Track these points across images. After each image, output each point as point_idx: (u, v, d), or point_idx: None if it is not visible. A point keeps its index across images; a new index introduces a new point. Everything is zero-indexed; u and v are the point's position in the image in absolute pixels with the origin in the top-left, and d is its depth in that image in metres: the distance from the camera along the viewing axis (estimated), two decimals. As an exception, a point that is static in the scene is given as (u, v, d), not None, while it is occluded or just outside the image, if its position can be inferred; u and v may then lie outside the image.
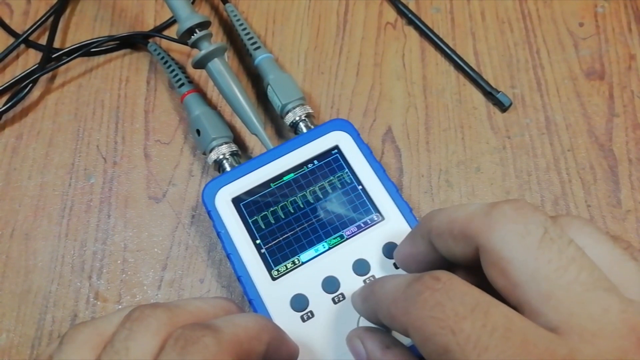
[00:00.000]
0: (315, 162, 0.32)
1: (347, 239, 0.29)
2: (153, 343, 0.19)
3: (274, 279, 0.29)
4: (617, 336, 0.16)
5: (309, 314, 0.28)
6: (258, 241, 0.29)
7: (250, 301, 0.28)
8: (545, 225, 0.18)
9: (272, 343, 0.22)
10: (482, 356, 0.16)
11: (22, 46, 0.41)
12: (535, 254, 0.17)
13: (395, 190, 0.30)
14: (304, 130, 0.34)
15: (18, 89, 0.38)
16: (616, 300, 0.16)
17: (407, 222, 0.30)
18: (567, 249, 0.17)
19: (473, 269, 0.20)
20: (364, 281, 0.28)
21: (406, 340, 0.26)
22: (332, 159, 0.32)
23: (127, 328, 0.19)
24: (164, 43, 0.41)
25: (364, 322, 0.26)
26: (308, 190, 0.31)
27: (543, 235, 0.18)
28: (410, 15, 0.41)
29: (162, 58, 0.39)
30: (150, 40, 0.41)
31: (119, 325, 0.20)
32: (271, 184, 0.31)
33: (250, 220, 0.30)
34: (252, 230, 0.30)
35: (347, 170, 0.31)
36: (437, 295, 0.18)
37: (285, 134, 0.37)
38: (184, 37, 0.34)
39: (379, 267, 0.29)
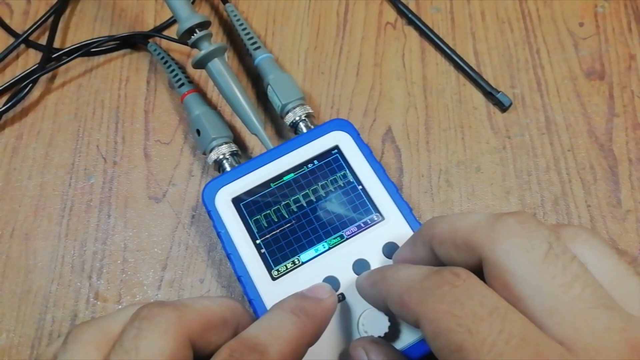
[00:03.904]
0: (315, 162, 0.32)
1: (347, 239, 0.29)
2: (162, 342, 0.19)
3: (274, 279, 0.29)
4: (619, 354, 0.16)
5: (309, 314, 0.28)
6: (258, 241, 0.29)
7: (250, 301, 0.28)
8: (550, 241, 0.18)
9: None
10: None
11: (22, 46, 0.41)
12: (540, 269, 0.17)
13: (395, 190, 0.30)
14: (304, 130, 0.34)
15: (18, 89, 0.38)
16: (617, 319, 0.16)
17: (407, 222, 0.30)
18: (571, 265, 0.17)
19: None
20: (364, 281, 0.28)
21: (405, 340, 0.26)
22: (332, 159, 0.32)
23: (135, 327, 0.19)
24: (164, 43, 0.41)
25: (364, 323, 0.26)
26: (308, 190, 0.31)
27: (548, 250, 0.18)
28: (410, 15, 0.41)
29: (162, 58, 0.39)
30: (150, 40, 0.41)
31: (127, 324, 0.20)
32: (271, 184, 0.31)
33: (250, 220, 0.30)
34: (252, 230, 0.30)
35: (347, 170, 0.31)
36: (456, 291, 0.18)
37: (285, 134, 0.37)
38: (184, 37, 0.34)
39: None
